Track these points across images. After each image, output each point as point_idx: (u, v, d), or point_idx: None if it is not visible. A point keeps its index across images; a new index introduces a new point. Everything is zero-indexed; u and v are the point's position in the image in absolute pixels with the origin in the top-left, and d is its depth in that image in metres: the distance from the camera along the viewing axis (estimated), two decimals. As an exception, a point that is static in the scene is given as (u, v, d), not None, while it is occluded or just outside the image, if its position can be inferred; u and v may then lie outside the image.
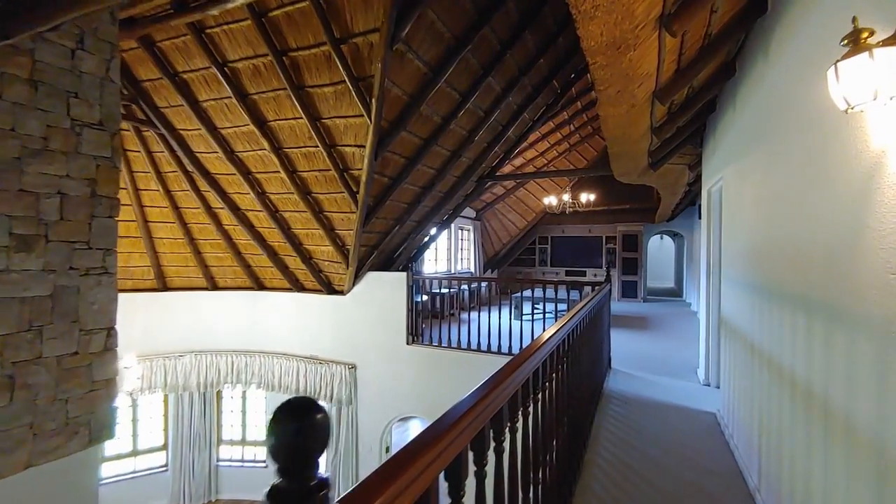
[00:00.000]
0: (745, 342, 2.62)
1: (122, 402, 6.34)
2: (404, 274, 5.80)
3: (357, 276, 6.00)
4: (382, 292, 5.97)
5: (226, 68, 3.92)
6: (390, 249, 6.42)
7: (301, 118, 4.03)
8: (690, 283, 10.85)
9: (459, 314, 6.02)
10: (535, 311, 8.57)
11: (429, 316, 7.54)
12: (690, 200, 9.53)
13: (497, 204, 10.86)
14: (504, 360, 5.16)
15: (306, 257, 5.90)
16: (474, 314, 9.00)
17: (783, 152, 2.00)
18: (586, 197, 8.41)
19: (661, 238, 16.28)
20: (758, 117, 2.44)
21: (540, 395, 1.63)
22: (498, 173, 6.76)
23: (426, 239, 7.09)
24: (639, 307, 10.10)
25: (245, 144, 4.60)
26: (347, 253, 5.42)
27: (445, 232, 9.72)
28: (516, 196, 10.70)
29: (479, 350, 5.38)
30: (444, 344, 5.62)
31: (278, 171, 4.70)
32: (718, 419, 3.34)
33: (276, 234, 5.64)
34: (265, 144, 4.40)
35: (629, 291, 11.13)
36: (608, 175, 11.69)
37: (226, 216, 5.77)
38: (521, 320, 6.60)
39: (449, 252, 9.85)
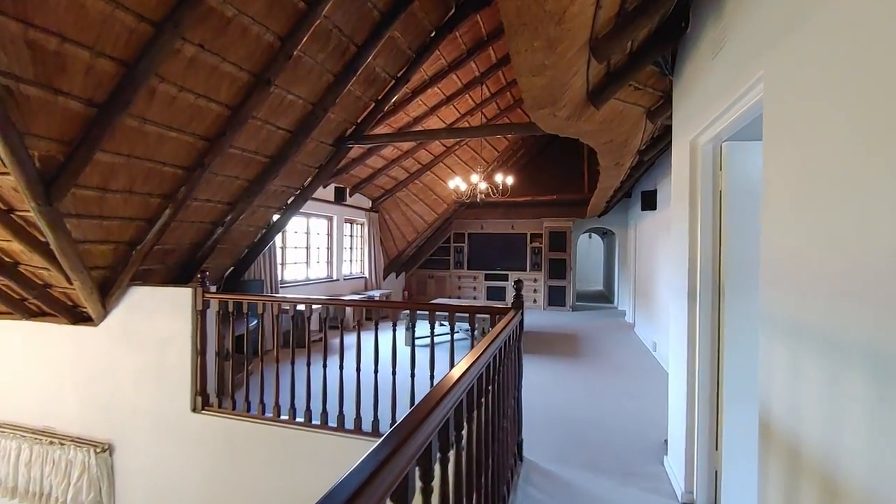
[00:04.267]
0: None
1: None
2: (188, 290, 3.38)
3: (108, 296, 3.46)
4: (157, 322, 3.50)
5: None
6: (184, 249, 3.94)
7: None
8: (623, 288, 9.41)
9: (342, 338, 3.72)
10: (440, 327, 6.51)
11: (288, 345, 5.14)
12: (626, 192, 7.98)
13: (398, 191, 8.65)
14: (358, 445, 2.77)
15: (6, 266, 3.26)
16: (364, 334, 6.72)
17: None
18: (502, 178, 6.44)
19: (590, 237, 15.08)
20: None
21: None
22: (370, 132, 4.51)
23: (260, 233, 4.67)
24: (567, 318, 8.40)
25: None
26: (53, 253, 2.89)
27: (324, 225, 7.30)
28: (422, 182, 8.56)
29: (311, 425, 3.11)
30: (254, 412, 3.28)
31: None
32: None
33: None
34: None
35: (557, 298, 9.46)
36: (534, 155, 9.95)
37: None
38: (415, 345, 4.44)
39: (330, 252, 7.45)
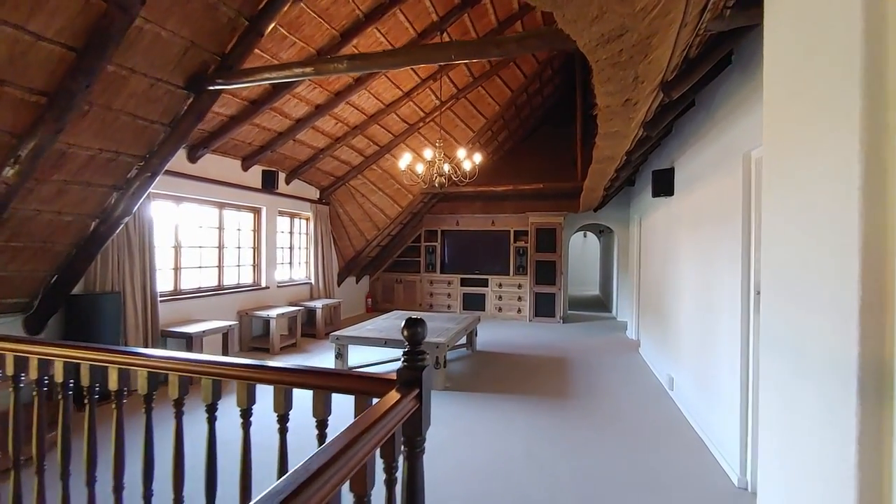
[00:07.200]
0: None
1: None
2: None
3: None
4: None
5: None
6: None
7: None
8: (624, 295, 7.95)
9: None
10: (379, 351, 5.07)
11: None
12: (629, 177, 6.51)
13: (352, 178, 7.14)
14: None
15: None
16: (293, 360, 5.23)
17: None
18: (465, 155, 4.95)
19: (585, 235, 13.63)
20: None
21: None
22: (244, 69, 2.98)
23: (93, 224, 3.15)
24: (556, 334, 6.91)
25: None
26: None
27: (248, 218, 5.76)
28: (381, 168, 7.05)
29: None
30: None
31: None
32: None
33: None
34: None
35: (545, 308, 7.97)
36: (519, 139, 8.47)
37: None
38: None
39: (257, 253, 5.92)
